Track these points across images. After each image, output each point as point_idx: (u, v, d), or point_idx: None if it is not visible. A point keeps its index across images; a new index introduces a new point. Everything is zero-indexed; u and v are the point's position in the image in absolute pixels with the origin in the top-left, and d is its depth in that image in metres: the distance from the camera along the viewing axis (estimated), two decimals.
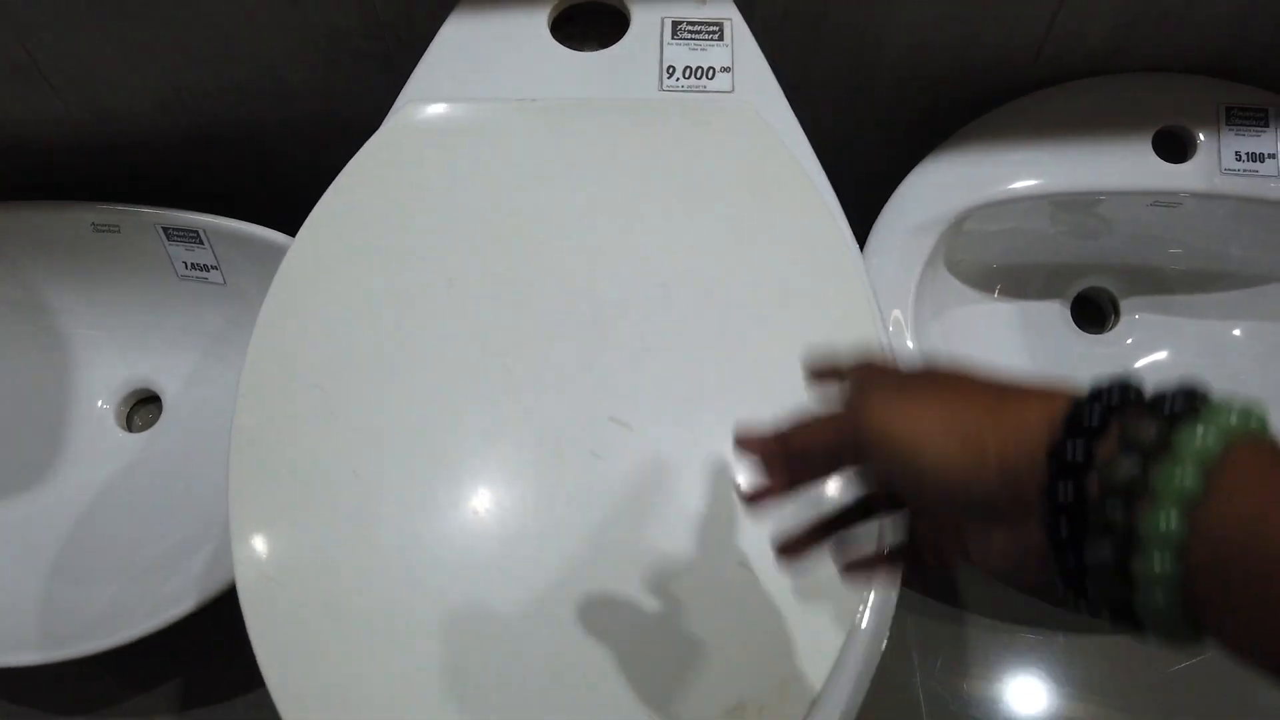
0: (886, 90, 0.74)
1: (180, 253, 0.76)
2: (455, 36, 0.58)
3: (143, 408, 0.83)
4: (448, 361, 0.43)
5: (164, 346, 0.81)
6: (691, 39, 0.58)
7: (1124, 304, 0.81)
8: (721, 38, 0.58)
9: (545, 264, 0.46)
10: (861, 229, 0.71)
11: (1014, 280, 0.80)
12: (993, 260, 0.79)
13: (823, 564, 0.40)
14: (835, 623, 0.39)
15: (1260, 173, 0.70)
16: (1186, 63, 0.71)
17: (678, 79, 0.57)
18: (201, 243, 0.75)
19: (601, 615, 0.39)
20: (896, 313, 0.69)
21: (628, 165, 0.49)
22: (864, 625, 0.43)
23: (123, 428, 0.81)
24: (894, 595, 0.46)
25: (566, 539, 0.40)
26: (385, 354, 0.44)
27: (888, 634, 0.46)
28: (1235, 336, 0.77)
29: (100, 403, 0.81)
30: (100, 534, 0.74)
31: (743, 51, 0.58)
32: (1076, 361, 0.80)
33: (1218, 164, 0.70)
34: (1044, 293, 0.81)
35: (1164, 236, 0.77)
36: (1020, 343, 0.79)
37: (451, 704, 0.38)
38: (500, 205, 0.48)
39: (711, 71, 0.57)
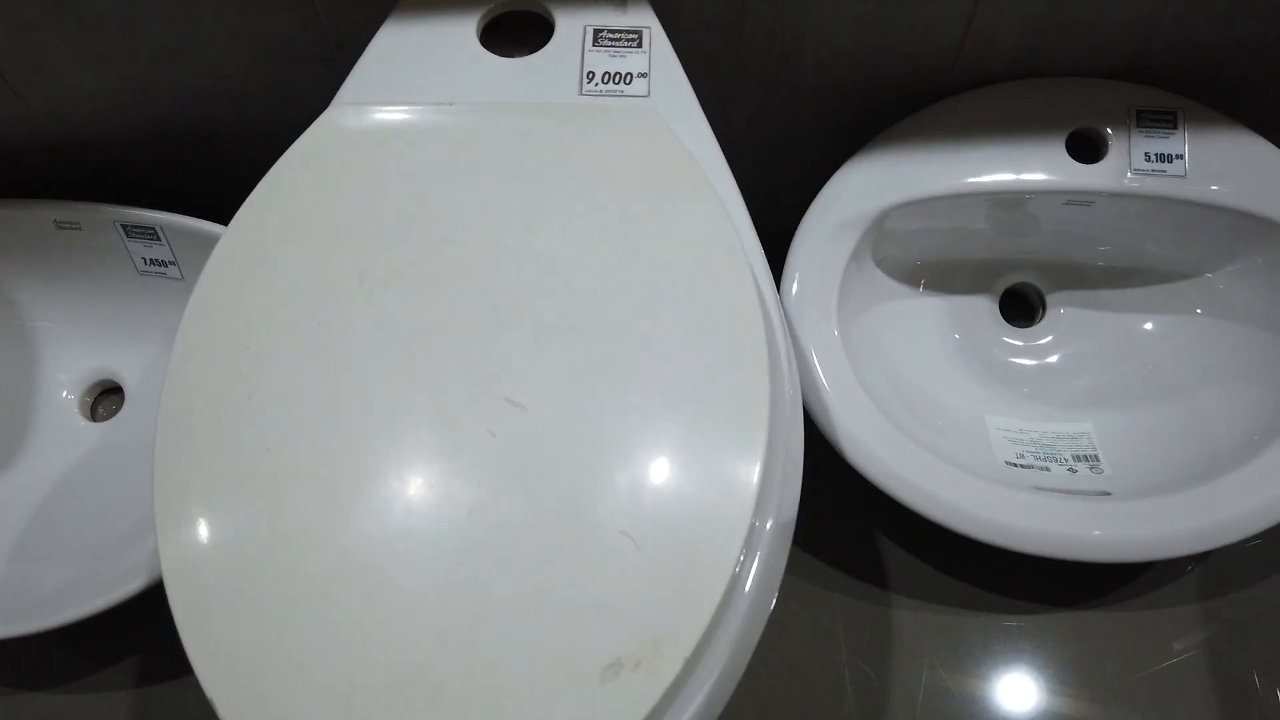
0: (813, 97, 0.77)
1: (139, 249, 0.79)
2: (389, 43, 0.61)
3: (106, 398, 0.86)
4: (358, 348, 0.47)
5: (126, 339, 0.84)
6: (611, 46, 0.61)
7: (1050, 299, 0.84)
8: (640, 45, 0.61)
9: (451, 259, 0.49)
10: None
11: (942, 276, 0.83)
12: (920, 257, 0.82)
13: (702, 530, 0.43)
14: (712, 586, 0.42)
15: (1168, 173, 0.73)
16: (1099, 67, 0.75)
17: (597, 84, 0.60)
18: (159, 239, 0.78)
19: (490, 578, 0.42)
20: (823, 304, 0.72)
21: (535, 166, 0.52)
22: (747, 588, 0.46)
23: (86, 417, 0.84)
24: (780, 561, 0.49)
25: (459, 509, 0.43)
26: (301, 342, 0.47)
27: (774, 598, 0.49)
28: (1151, 330, 0.81)
29: (65, 393, 0.84)
30: (60, 517, 0.77)
31: (660, 58, 0.61)
32: (1004, 354, 0.83)
33: (1128, 164, 0.73)
34: (973, 288, 0.84)
35: (1085, 235, 0.80)
36: (949, 335, 0.83)
37: (353, 661, 0.41)
38: (412, 204, 0.51)
39: (629, 77, 0.60)
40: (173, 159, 0.80)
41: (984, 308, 0.84)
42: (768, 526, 0.47)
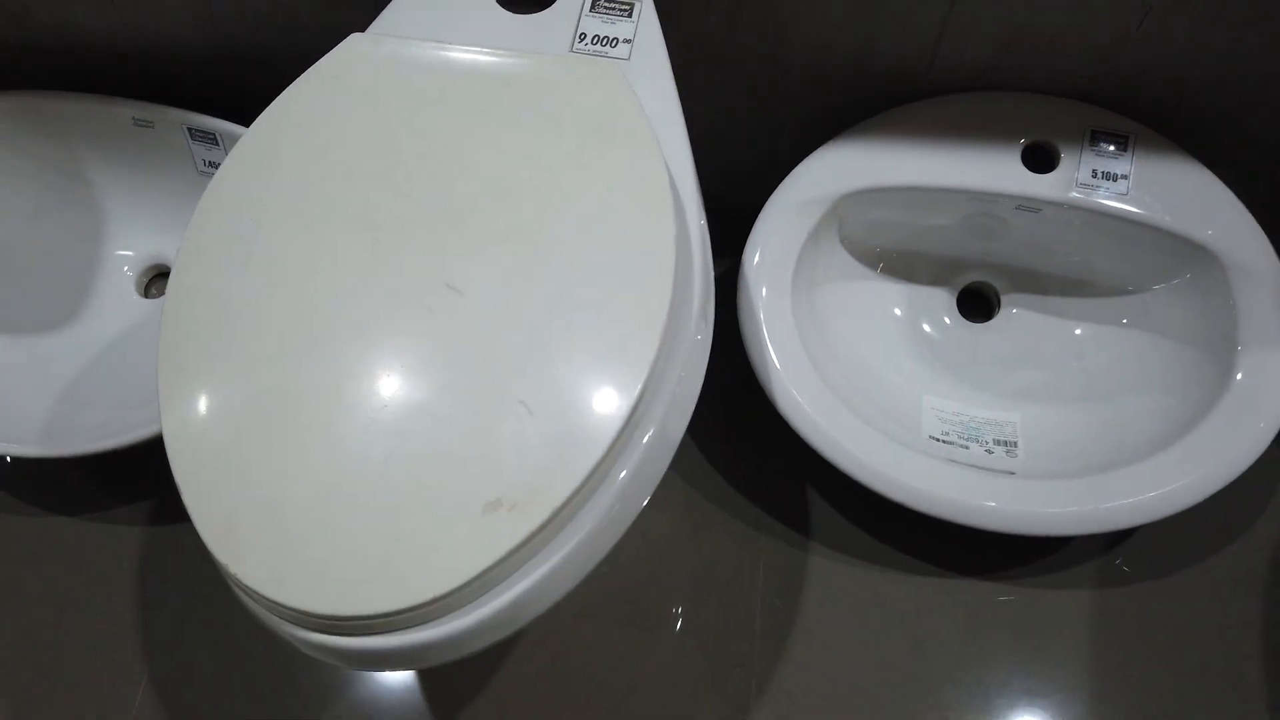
0: (800, 86, 0.85)
1: (200, 151, 0.91)
2: None
3: (159, 280, 0.98)
4: (336, 230, 0.57)
5: (180, 230, 0.96)
6: (606, 13, 0.71)
7: (1005, 299, 0.91)
8: (630, 15, 0.70)
9: (425, 171, 0.59)
10: None
11: (907, 264, 0.91)
12: (885, 244, 0.89)
13: (589, 411, 0.52)
14: (586, 457, 0.52)
15: (1111, 190, 0.79)
16: (1063, 87, 0.81)
17: (587, 44, 0.69)
18: (218, 144, 0.90)
19: (407, 422, 0.52)
20: (779, 274, 0.80)
21: (510, 104, 0.62)
22: (622, 474, 0.55)
23: (140, 294, 0.97)
24: (659, 459, 0.58)
25: (394, 367, 0.53)
26: (292, 221, 0.58)
27: (651, 488, 0.58)
28: (1089, 337, 0.87)
29: (125, 269, 0.97)
30: (105, 372, 0.90)
31: (645, 29, 0.70)
32: (957, 347, 0.90)
33: (1075, 178, 0.80)
34: (934, 280, 0.91)
35: (1043, 244, 0.86)
36: (905, 319, 0.90)
37: (292, 475, 0.51)
38: (401, 122, 0.61)
39: (615, 41, 0.70)
40: (236, 77, 0.91)
41: (943, 299, 0.91)
42: (651, 425, 0.56)
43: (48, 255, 0.94)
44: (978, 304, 0.92)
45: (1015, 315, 0.90)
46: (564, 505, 0.51)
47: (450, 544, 0.50)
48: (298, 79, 0.63)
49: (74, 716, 0.83)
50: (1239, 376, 0.76)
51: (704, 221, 0.65)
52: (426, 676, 0.83)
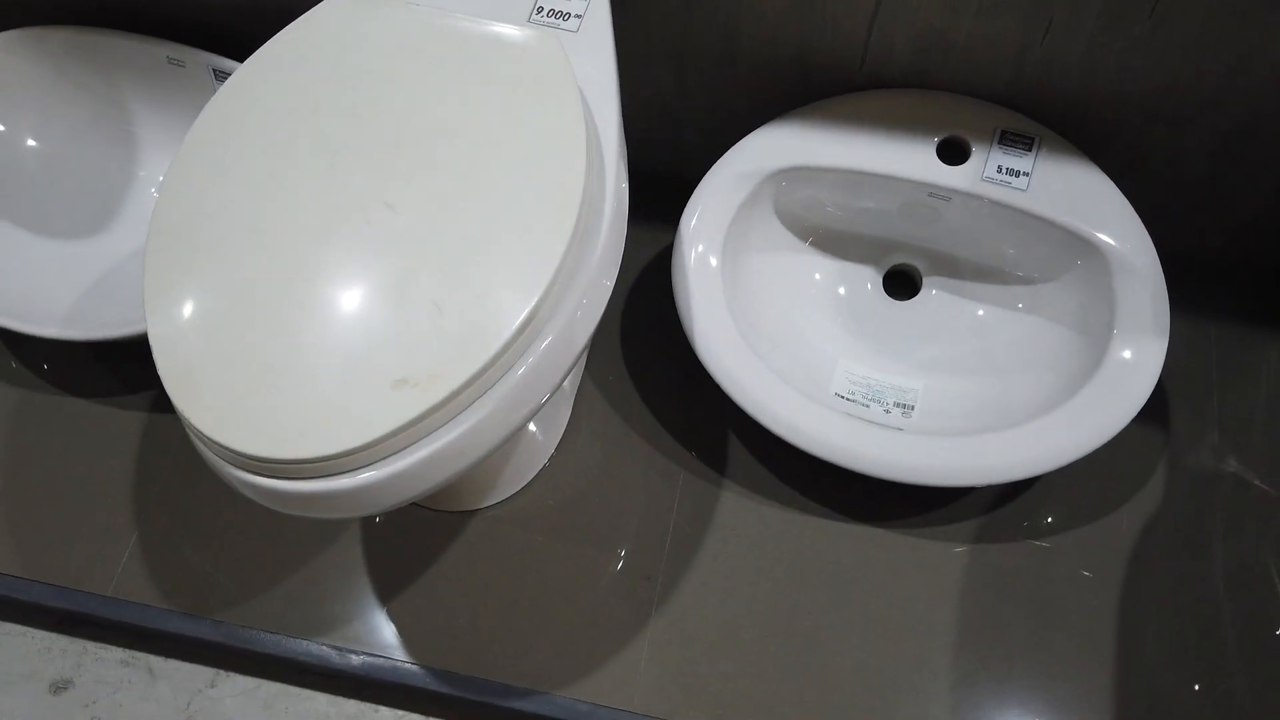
0: (747, 74, 0.95)
1: None
2: None
3: None
4: (299, 153, 0.68)
5: None
6: None
7: (926, 280, 1.00)
8: None
9: (379, 109, 0.70)
10: None
11: (838, 240, 1.00)
12: (819, 220, 0.99)
13: (490, 314, 0.63)
14: (482, 352, 0.62)
15: (1012, 185, 0.88)
16: (982, 90, 0.90)
17: (543, 15, 0.80)
18: None
19: (337, 310, 0.63)
20: (711, 237, 0.91)
21: (459, 57, 0.73)
22: (519, 371, 0.66)
23: None
24: (555, 365, 0.68)
25: (336, 265, 0.65)
26: (263, 143, 0.69)
27: (556, 378, 0.68)
28: (993, 319, 0.96)
29: (152, 190, 1.09)
30: (123, 277, 1.02)
31: (596, 7, 0.80)
32: (878, 320, 0.99)
33: (981, 172, 0.89)
34: (864, 258, 1.01)
35: (961, 233, 0.96)
36: (834, 290, 1.00)
37: (244, 355, 0.63)
38: (366, 66, 0.72)
39: (568, 15, 0.80)
40: (255, 25, 1.03)
41: (870, 276, 1.01)
42: (550, 334, 0.66)
43: (85, 172, 1.07)
44: (903, 283, 1.01)
45: (934, 296, 0.99)
46: (460, 388, 0.62)
47: (363, 409, 0.61)
48: (286, 26, 0.75)
49: (70, 563, 0.96)
50: (1111, 358, 0.85)
51: (625, 183, 0.75)
52: (375, 572, 0.95)
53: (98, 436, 1.02)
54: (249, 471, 0.63)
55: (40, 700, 0.97)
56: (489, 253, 0.65)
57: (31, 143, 1.05)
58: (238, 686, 0.96)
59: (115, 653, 0.99)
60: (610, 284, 0.73)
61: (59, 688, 0.98)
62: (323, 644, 0.91)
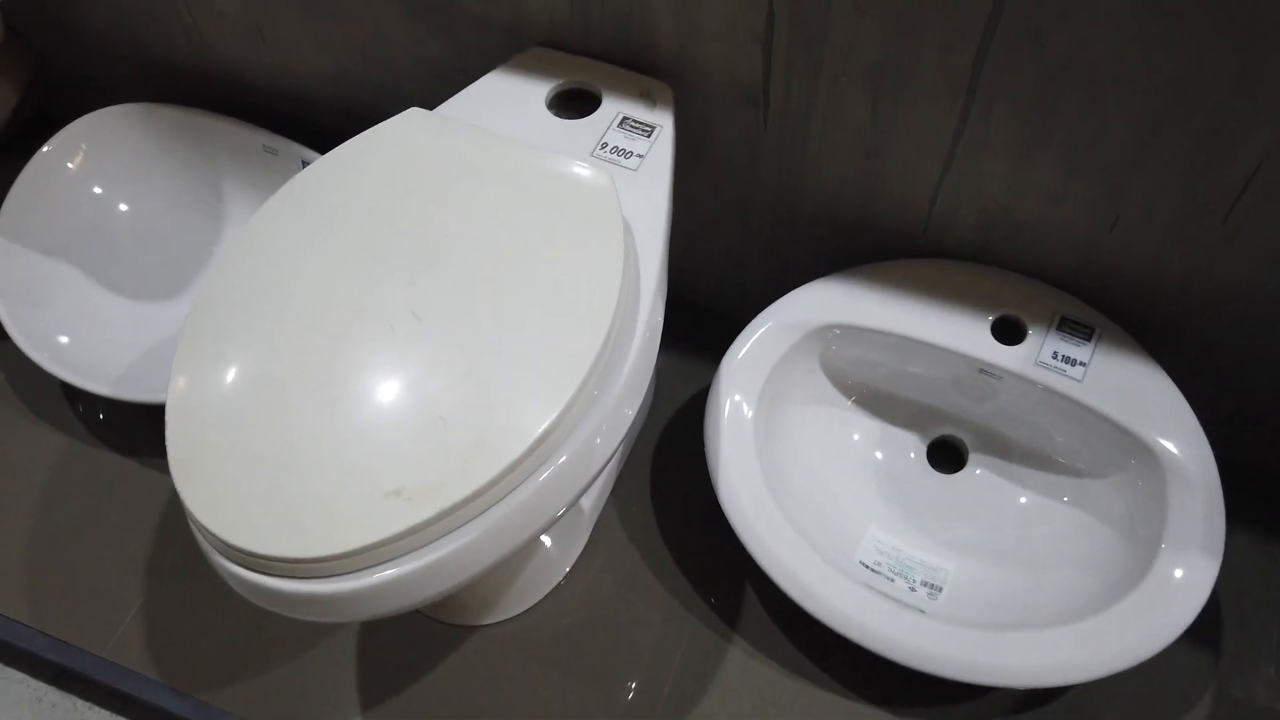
0: (808, 226, 0.95)
1: None
2: (489, 84, 0.86)
3: None
4: (342, 257, 0.70)
5: None
6: (630, 131, 0.83)
7: (972, 457, 0.96)
8: (649, 136, 0.83)
9: (425, 220, 0.72)
10: None
11: (885, 404, 0.97)
12: (867, 379, 0.96)
13: (495, 437, 0.63)
14: (483, 473, 0.62)
15: (1067, 374, 0.85)
16: (1045, 273, 0.88)
17: (607, 151, 0.82)
18: None
19: (347, 413, 0.64)
20: (750, 383, 0.89)
21: (515, 186, 0.74)
22: (516, 499, 0.64)
23: None
24: (558, 496, 0.67)
25: (353, 367, 0.65)
26: (313, 246, 0.71)
27: (557, 510, 0.67)
28: (1036, 509, 0.91)
29: None
30: None
31: (658, 149, 0.82)
32: (917, 491, 0.95)
33: (1035, 356, 0.86)
34: (909, 424, 0.98)
35: (1013, 412, 0.92)
36: (872, 453, 0.97)
37: (261, 448, 0.63)
38: (421, 181, 0.74)
39: (630, 154, 0.82)
40: (346, 126, 1.09)
41: (913, 444, 0.97)
42: (553, 464, 0.65)
43: (169, 241, 1.13)
44: (948, 455, 0.98)
45: (978, 475, 0.95)
46: (454, 506, 0.61)
47: (349, 516, 0.60)
48: (361, 133, 0.78)
49: (74, 618, 0.96)
50: (1157, 573, 0.79)
51: (659, 317, 0.75)
52: (365, 665, 0.93)
53: (129, 496, 1.04)
54: (232, 561, 0.63)
55: None
56: (508, 372, 0.65)
57: (123, 207, 1.11)
58: None
59: (103, 716, 0.98)
60: (631, 414, 0.72)
61: None
62: None
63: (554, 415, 0.64)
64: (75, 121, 1.09)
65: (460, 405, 0.64)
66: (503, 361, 0.66)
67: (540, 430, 0.63)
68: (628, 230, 0.76)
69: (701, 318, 1.12)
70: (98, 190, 1.10)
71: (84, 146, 1.08)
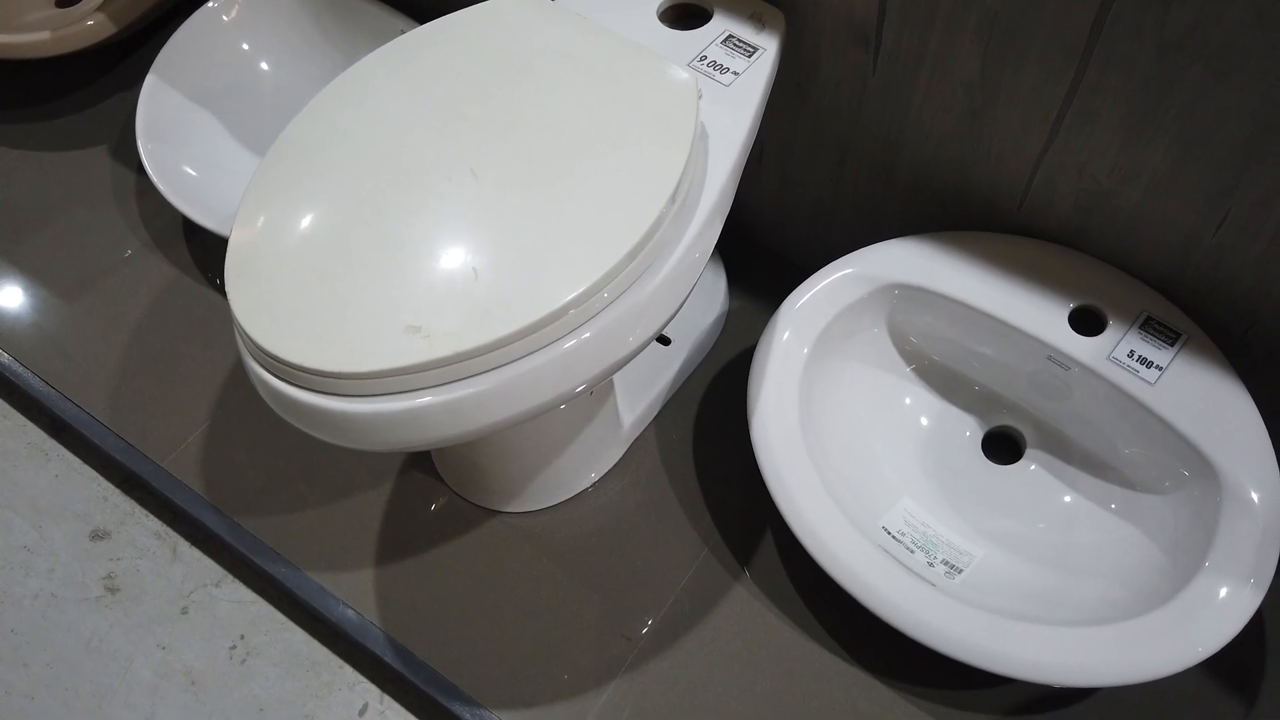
0: (903, 186, 0.93)
1: None
2: None
3: None
4: (423, 112, 0.73)
5: None
6: (733, 49, 0.83)
7: (1029, 452, 0.92)
8: (750, 56, 0.82)
9: (510, 92, 0.74)
10: None
11: (949, 381, 0.94)
12: (936, 354, 0.94)
13: (521, 297, 0.64)
14: (498, 329, 0.63)
15: (1140, 374, 0.81)
16: (1140, 269, 0.84)
17: (705, 65, 0.82)
18: None
19: (394, 250, 0.66)
20: (809, 326, 0.88)
21: (600, 69, 0.75)
22: (529, 363, 0.66)
23: None
24: (590, 365, 0.68)
25: (404, 211, 0.68)
26: (400, 99, 0.75)
27: (570, 388, 0.68)
28: (1086, 516, 0.87)
29: None
30: None
31: (755, 70, 0.82)
32: (963, 474, 0.92)
33: (1110, 351, 0.82)
34: (970, 406, 0.94)
35: (1081, 413, 0.88)
36: (923, 426, 0.94)
37: (307, 264, 0.67)
38: (514, 55, 0.76)
39: (726, 70, 0.82)
40: None
41: (970, 427, 0.94)
42: (570, 340, 0.66)
43: (300, 104, 1.19)
44: (1003, 445, 0.94)
45: (1032, 471, 0.91)
46: (469, 352, 0.63)
47: (371, 340, 0.63)
48: (468, 7, 0.81)
49: (146, 428, 1.04)
50: (1194, 589, 0.74)
51: (713, 235, 0.75)
52: (383, 550, 0.97)
53: (218, 330, 1.11)
54: (261, 365, 0.67)
55: (77, 541, 1.05)
56: (547, 241, 0.66)
57: (264, 66, 1.19)
58: (237, 594, 1.00)
59: (154, 523, 1.05)
60: (660, 324, 0.72)
61: (98, 536, 1.05)
62: (315, 580, 0.94)
63: (578, 291, 0.65)
64: None
65: (495, 262, 0.66)
66: (545, 231, 0.67)
67: (563, 301, 0.64)
68: (701, 138, 0.76)
69: (781, 268, 1.11)
70: (245, 46, 1.18)
71: (240, 3, 1.16)
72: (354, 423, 0.65)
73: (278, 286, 0.66)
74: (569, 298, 0.65)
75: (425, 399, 0.64)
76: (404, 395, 0.64)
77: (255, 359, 0.67)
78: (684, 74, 0.75)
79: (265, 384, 0.67)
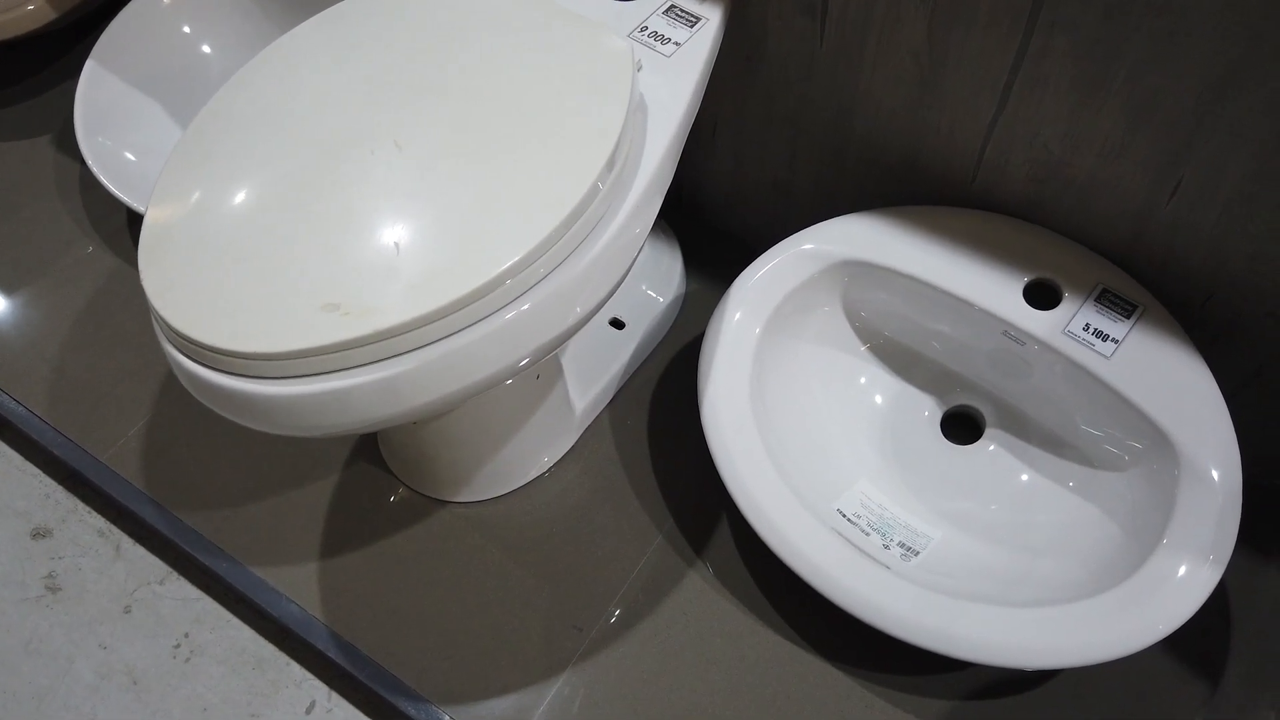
0: (855, 161, 0.90)
1: None
2: None
3: None
4: (344, 80, 0.71)
5: None
6: (674, 19, 0.81)
7: (989, 432, 0.90)
8: (692, 26, 0.80)
9: (436, 58, 0.71)
10: None
11: (904, 360, 0.92)
12: (893, 333, 0.91)
13: (445, 271, 0.62)
14: (420, 305, 0.61)
15: (1095, 348, 0.78)
16: (1096, 241, 0.82)
17: (645, 35, 0.80)
18: None
19: (306, 223, 0.64)
20: (761, 305, 0.85)
21: (533, 38, 0.73)
22: (453, 340, 0.63)
23: None
24: (518, 348, 0.66)
25: (325, 184, 0.65)
26: (323, 71, 0.72)
27: (499, 368, 0.66)
28: (1045, 495, 0.85)
29: None
30: None
31: (697, 41, 0.79)
32: (921, 455, 0.90)
33: (1065, 324, 0.80)
34: (927, 386, 0.92)
35: (1037, 392, 0.86)
36: (880, 408, 0.92)
37: (222, 240, 0.64)
38: (444, 24, 0.74)
39: (667, 40, 0.79)
40: None
41: (928, 405, 0.92)
42: (495, 320, 0.64)
43: None
44: (962, 425, 0.92)
45: (991, 451, 0.89)
46: (390, 330, 0.60)
47: (285, 319, 0.61)
48: None
49: (86, 422, 1.01)
50: (1149, 570, 0.72)
51: (650, 211, 0.72)
52: (330, 541, 0.94)
53: None
54: (176, 349, 0.64)
55: (18, 539, 1.02)
56: (473, 214, 0.64)
57: (206, 49, 1.16)
58: (181, 592, 0.97)
59: (97, 521, 1.03)
60: (600, 298, 0.70)
61: (39, 534, 1.02)
62: (259, 576, 0.91)
63: (509, 262, 0.62)
64: None
65: (418, 235, 0.63)
66: (473, 202, 0.64)
67: (494, 274, 0.62)
68: (640, 109, 0.74)
69: (739, 250, 1.09)
70: (186, 30, 1.15)
71: None
72: (277, 406, 0.63)
73: (191, 265, 0.63)
74: (499, 270, 0.62)
75: (356, 379, 0.62)
76: (330, 376, 0.62)
77: (170, 341, 0.64)
78: (621, 43, 0.73)
79: (181, 367, 0.64)
